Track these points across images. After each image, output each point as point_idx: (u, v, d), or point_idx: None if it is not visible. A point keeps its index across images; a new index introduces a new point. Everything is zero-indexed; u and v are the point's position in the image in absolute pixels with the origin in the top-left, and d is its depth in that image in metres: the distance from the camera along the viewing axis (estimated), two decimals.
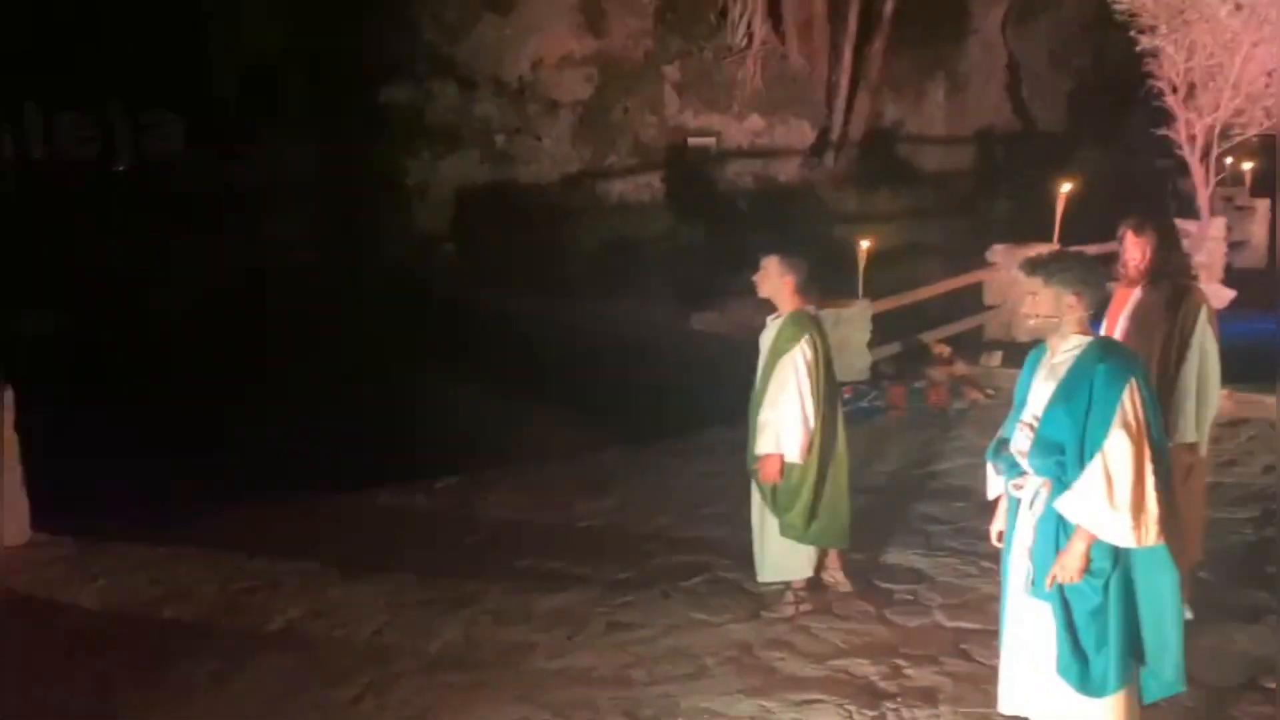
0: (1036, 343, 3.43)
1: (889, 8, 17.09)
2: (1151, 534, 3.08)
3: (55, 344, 10.65)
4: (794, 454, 4.67)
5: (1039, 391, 3.27)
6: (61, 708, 4.29)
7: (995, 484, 3.48)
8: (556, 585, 5.27)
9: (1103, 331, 4.48)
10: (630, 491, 6.82)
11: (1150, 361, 4.28)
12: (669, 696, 4.14)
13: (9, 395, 6.10)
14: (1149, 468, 3.08)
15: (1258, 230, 13.40)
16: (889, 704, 4.03)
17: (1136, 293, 4.42)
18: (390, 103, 14.64)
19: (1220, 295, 10.05)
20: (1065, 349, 3.23)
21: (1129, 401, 3.07)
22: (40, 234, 12.33)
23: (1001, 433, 3.46)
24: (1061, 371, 3.21)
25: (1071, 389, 3.14)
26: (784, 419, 4.65)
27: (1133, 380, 3.10)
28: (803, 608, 4.83)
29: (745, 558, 5.43)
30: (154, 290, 11.98)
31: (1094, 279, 3.24)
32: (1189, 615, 4.32)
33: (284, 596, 5.30)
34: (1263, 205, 13.52)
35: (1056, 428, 3.17)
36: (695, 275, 13.12)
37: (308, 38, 14.51)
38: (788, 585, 4.93)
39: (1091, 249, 9.71)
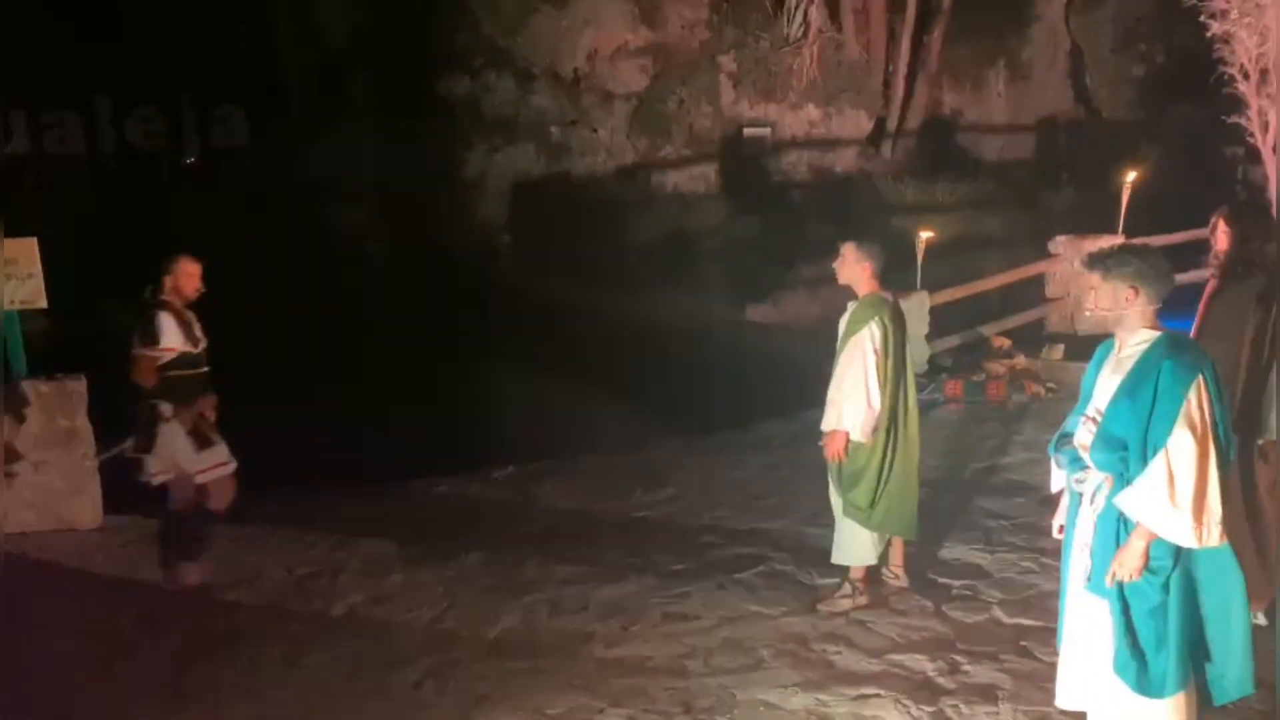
0: (1102, 337, 3.39)
1: None
2: (1214, 535, 3.03)
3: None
4: (858, 432, 4.69)
5: (1105, 386, 3.24)
6: (137, 683, 4.44)
7: (1058, 477, 3.45)
8: (613, 575, 5.32)
9: (1195, 324, 4.40)
10: (686, 483, 6.85)
11: (1239, 355, 4.17)
12: (725, 688, 4.16)
13: (81, 385, 6.32)
14: (1212, 467, 3.03)
15: None
16: (947, 700, 4.00)
17: (1226, 285, 4.32)
18: (448, 95, 14.79)
19: None
20: (1132, 343, 3.20)
21: (1195, 399, 3.03)
22: (117, 225, 12.67)
23: (1065, 426, 3.43)
24: (1127, 366, 3.17)
25: (1136, 384, 3.11)
26: (848, 397, 4.69)
27: (1200, 378, 3.05)
28: (859, 600, 4.82)
29: (801, 550, 5.43)
30: (225, 281, 12.30)
31: (1153, 273, 3.18)
32: (1263, 620, 4.25)
33: (347, 582, 5.43)
34: None
35: (1120, 423, 3.14)
36: (750, 267, 13.09)
37: (370, 31, 14.72)
38: (845, 577, 4.92)
39: (1158, 240, 9.59)
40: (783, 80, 16.00)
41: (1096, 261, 3.24)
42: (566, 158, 15.34)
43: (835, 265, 4.86)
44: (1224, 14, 10.09)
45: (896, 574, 5.00)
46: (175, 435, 5.18)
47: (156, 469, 5.21)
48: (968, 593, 4.95)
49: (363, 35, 14.79)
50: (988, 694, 4.02)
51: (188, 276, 5.26)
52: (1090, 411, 3.28)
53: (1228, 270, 4.34)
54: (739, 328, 12.31)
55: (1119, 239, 9.56)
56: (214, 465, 5.29)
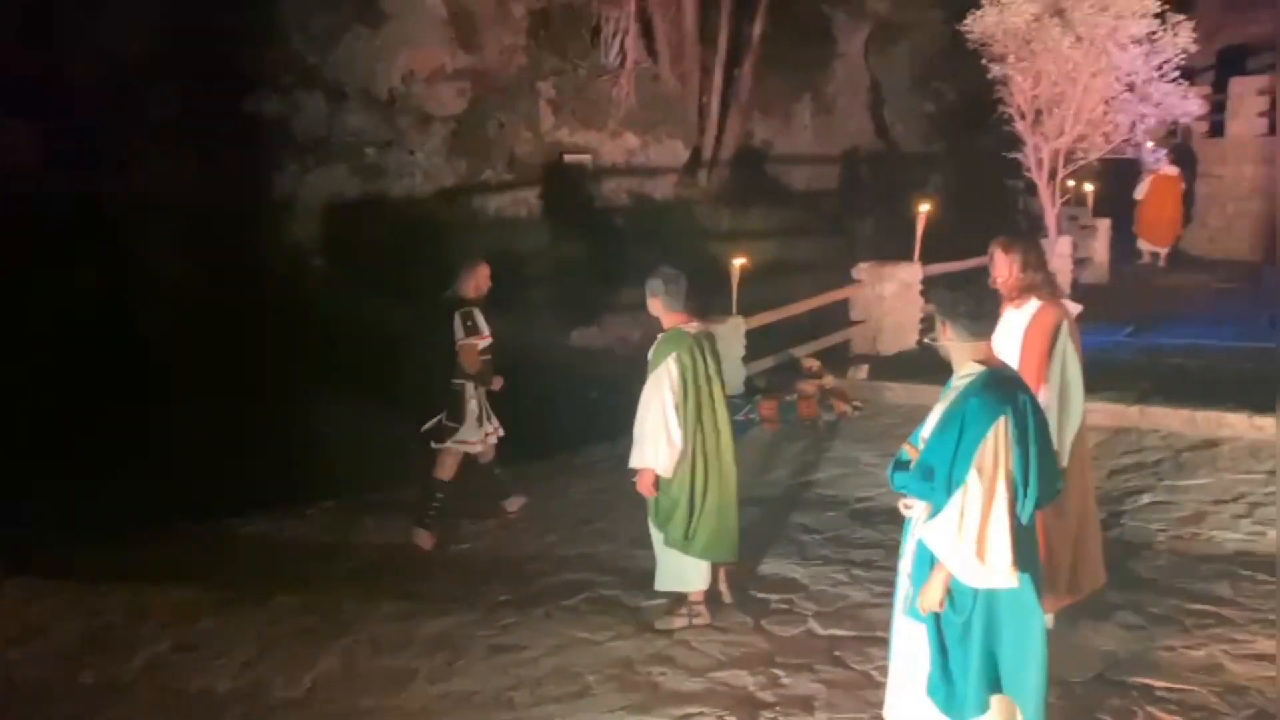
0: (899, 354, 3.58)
1: (757, 31, 17.57)
2: (996, 577, 3.12)
3: None
4: (661, 468, 4.76)
5: (934, 414, 3.35)
6: None
7: None
8: (438, 610, 5.22)
9: None
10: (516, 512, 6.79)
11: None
12: (552, 718, 4.16)
13: None
14: (1000, 509, 3.10)
15: (1099, 248, 14.29)
16: (767, 713, 4.14)
17: (1010, 310, 4.54)
18: (256, 113, 14.21)
19: (1070, 309, 10.66)
20: (958, 376, 3.34)
21: (992, 441, 3.12)
22: None
23: (902, 452, 3.52)
24: (950, 398, 3.29)
25: (949, 419, 3.22)
26: (649, 435, 4.74)
27: (1003, 418, 3.13)
28: (697, 621, 4.91)
29: (628, 574, 5.49)
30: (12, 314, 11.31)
31: (959, 308, 3.31)
32: (1049, 624, 4.59)
33: (149, 632, 5.09)
34: (1103, 225, 14.44)
35: (933, 454, 3.25)
36: (575, 291, 13.16)
37: (170, 46, 13.96)
38: (684, 598, 5.00)
39: (945, 267, 10.29)
40: (601, 108, 16.24)
41: (931, 300, 3.47)
42: (383, 179, 15.00)
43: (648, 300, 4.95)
44: (1002, 58, 11.00)
45: (722, 591, 5.13)
46: (475, 410, 6.22)
47: (463, 438, 6.21)
48: (785, 606, 5.13)
49: (163, 50, 14.02)
50: (805, 704, 4.18)
51: (484, 277, 6.38)
52: (918, 439, 3.39)
53: (1010, 297, 4.63)
54: (565, 352, 12.34)
55: (916, 265, 10.22)
56: (492, 432, 6.39)
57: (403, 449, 8.28)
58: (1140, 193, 14.96)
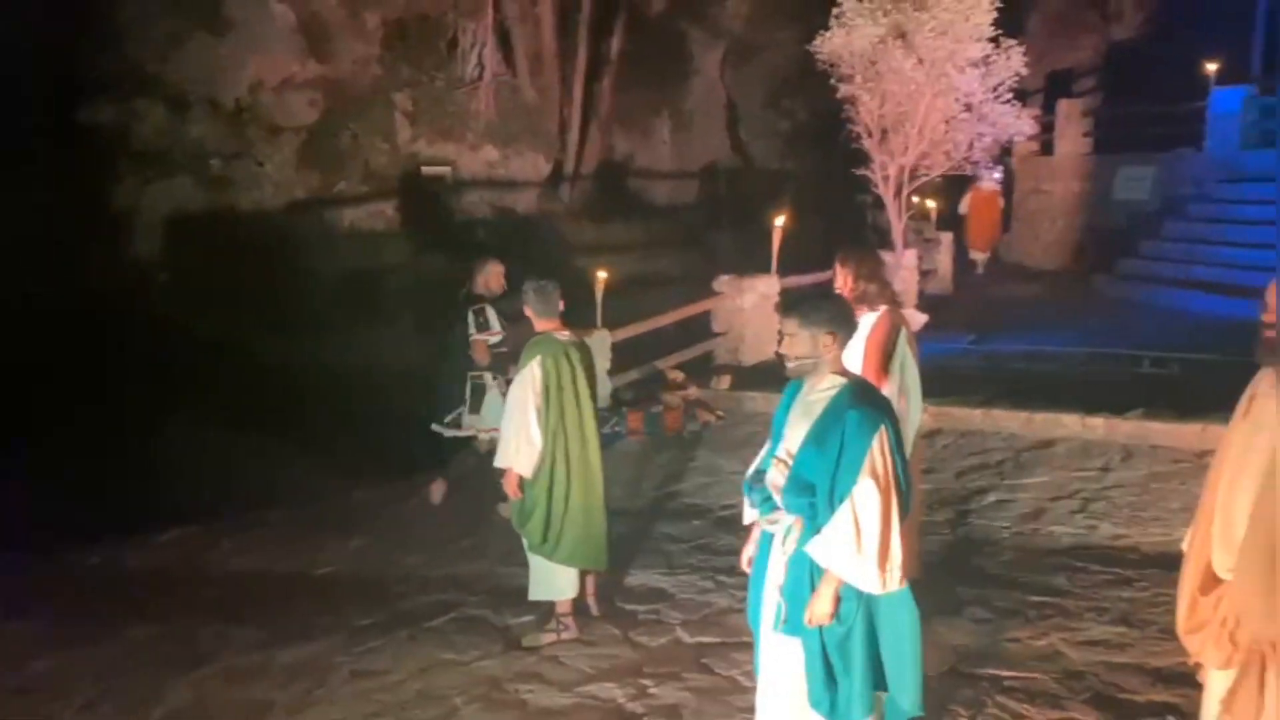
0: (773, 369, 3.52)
1: (616, 46, 17.76)
2: (896, 579, 3.16)
3: None
4: (522, 468, 4.81)
5: (795, 428, 3.30)
6: None
7: (750, 513, 3.50)
8: (297, 637, 5.04)
9: None
10: (377, 532, 6.63)
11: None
12: None
13: None
14: (895, 515, 3.14)
15: (943, 260, 15.01)
16: None
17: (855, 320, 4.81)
18: (91, 123, 13.45)
19: (915, 319, 11.16)
20: (821, 388, 3.26)
21: (878, 449, 3.12)
22: None
23: (758, 463, 3.52)
24: (816, 411, 3.23)
25: (824, 432, 3.18)
26: (509, 435, 4.82)
27: (883, 428, 3.15)
28: (565, 634, 4.89)
29: (494, 592, 5.43)
30: None
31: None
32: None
33: None
34: (947, 238, 15.19)
35: (809, 469, 3.20)
36: (436, 305, 12.94)
37: None
38: (551, 614, 4.98)
39: (800, 279, 10.62)
40: (460, 120, 16.08)
41: (792, 309, 3.27)
42: (230, 191, 14.44)
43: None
44: (850, 79, 11.42)
45: (589, 603, 5.13)
46: (495, 400, 6.46)
47: (485, 427, 6.53)
48: (652, 616, 5.17)
49: None
50: (674, 713, 4.22)
51: (496, 275, 6.79)
52: (781, 453, 3.32)
53: (851, 305, 4.86)
54: (428, 366, 12.11)
55: (773, 278, 10.50)
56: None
57: (259, 471, 7.98)
58: (963, 207, 16.15)
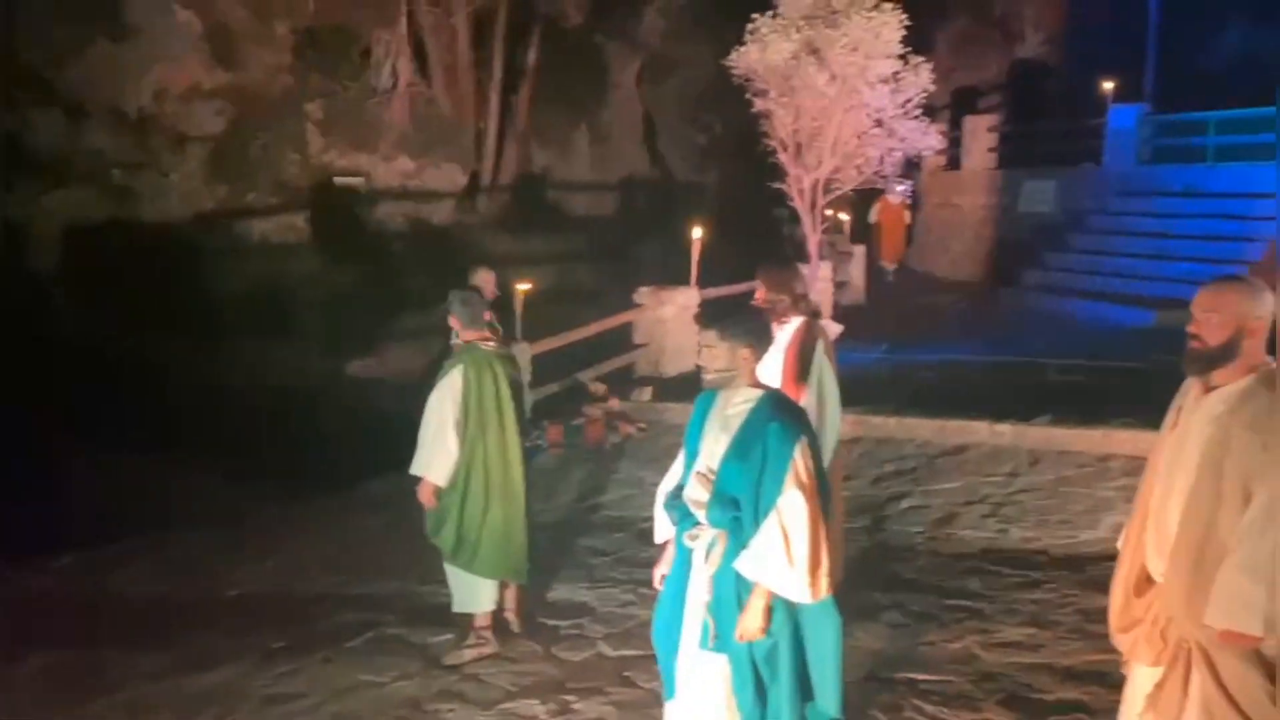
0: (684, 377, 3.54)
1: (532, 58, 17.73)
2: (824, 587, 3.17)
3: None
4: (437, 477, 4.77)
5: (713, 442, 3.28)
6: None
7: (664, 529, 3.48)
8: (206, 662, 4.86)
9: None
10: (290, 552, 6.45)
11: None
12: None
13: None
14: (821, 523, 3.15)
15: (855, 272, 15.31)
16: None
17: (774, 329, 4.85)
18: None
19: (831, 330, 11.33)
20: (738, 401, 3.26)
21: (800, 459, 3.14)
22: None
23: (676, 479, 3.45)
24: (735, 424, 3.23)
25: (746, 445, 3.17)
26: (425, 442, 4.77)
27: (803, 438, 3.17)
28: (485, 649, 4.82)
29: (412, 611, 5.33)
30: None
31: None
32: None
33: None
34: (860, 250, 15.51)
35: (733, 482, 3.19)
36: (351, 319, 12.71)
37: None
38: (471, 625, 4.91)
39: (720, 291, 10.71)
40: (373, 131, 15.85)
41: (714, 322, 3.33)
42: (134, 203, 13.98)
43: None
44: (765, 93, 11.58)
45: (510, 619, 5.07)
46: None
47: None
48: (575, 631, 5.13)
49: None
50: None
51: (486, 283, 6.65)
52: (702, 468, 3.29)
53: (771, 316, 4.90)
54: (342, 382, 11.88)
55: (693, 290, 10.57)
56: None
57: (168, 490, 7.71)
58: (873, 216, 16.67)
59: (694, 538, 3.30)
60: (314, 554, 6.41)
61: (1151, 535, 2.89)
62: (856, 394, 7.32)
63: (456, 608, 4.96)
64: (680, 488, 3.40)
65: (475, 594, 4.89)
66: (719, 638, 3.24)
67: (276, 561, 6.29)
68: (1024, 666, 4.51)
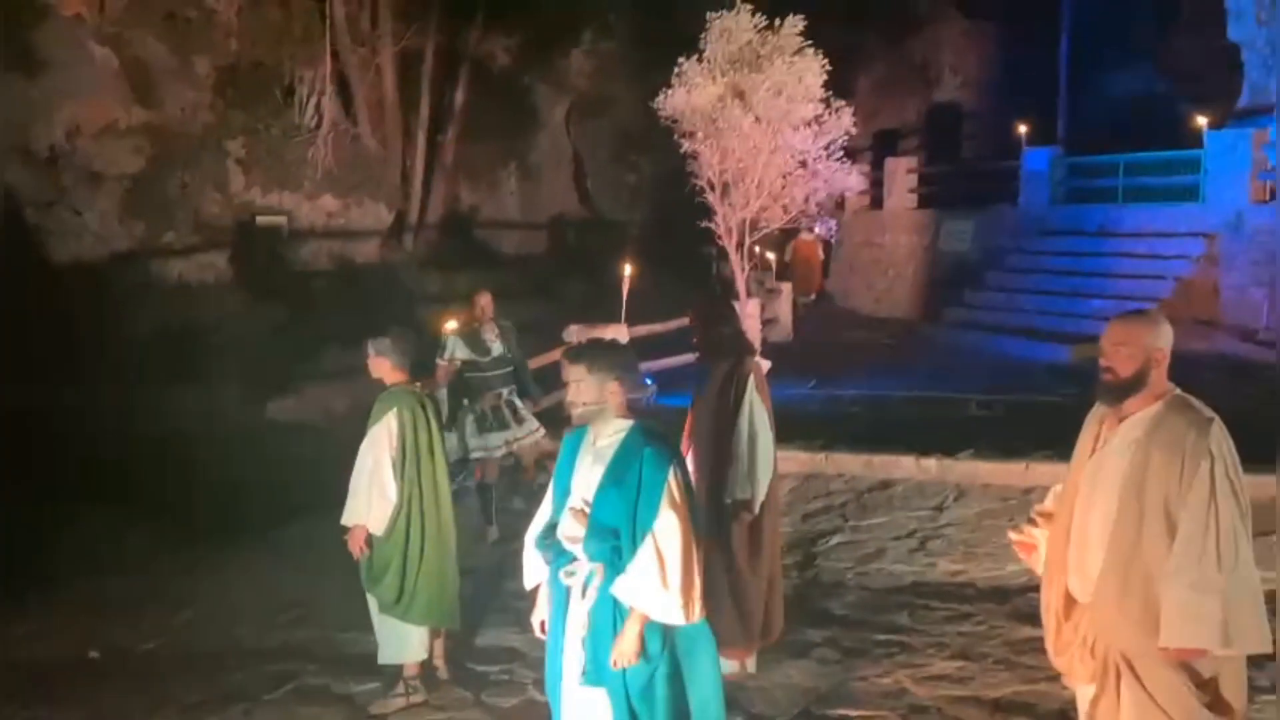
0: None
1: (460, 98, 17.71)
2: (698, 610, 3.18)
3: None
4: (374, 525, 4.63)
5: (586, 476, 3.28)
6: None
7: (536, 572, 3.45)
8: None
9: (691, 404, 4.84)
10: (203, 603, 6.21)
11: (709, 427, 4.69)
12: None
13: None
14: (694, 546, 3.17)
15: (783, 309, 15.49)
16: None
17: (708, 366, 4.81)
18: None
19: (759, 366, 11.39)
20: (609, 433, 3.27)
21: (674, 483, 3.16)
22: None
23: (546, 519, 3.42)
24: (608, 455, 3.24)
25: (621, 472, 3.19)
26: (360, 489, 4.62)
27: (675, 462, 3.21)
28: (414, 698, 4.68)
29: (335, 659, 5.17)
30: None
31: (632, 364, 3.38)
32: (752, 669, 4.79)
33: None
34: (786, 288, 15.71)
35: (609, 512, 3.19)
36: (270, 360, 12.41)
37: None
38: (398, 678, 4.76)
39: (649, 328, 10.73)
40: (297, 169, 15.61)
41: (580, 356, 3.30)
42: (45, 242, 13.54)
43: (367, 364, 4.83)
44: (692, 134, 11.72)
45: (438, 666, 4.94)
46: (472, 422, 7.28)
47: (476, 447, 7.30)
48: (505, 676, 5.02)
49: None
50: None
51: (484, 304, 7.60)
52: (576, 503, 3.28)
53: (703, 353, 4.91)
54: (260, 426, 11.56)
55: (622, 326, 10.57)
56: (514, 439, 7.46)
57: (66, 541, 7.38)
58: (788, 255, 17.20)
59: (570, 574, 3.28)
60: (230, 603, 6.19)
61: (1074, 558, 2.97)
62: (785, 430, 7.33)
63: (385, 660, 4.80)
64: (551, 527, 3.37)
65: (406, 643, 4.75)
66: (594, 671, 3.21)
67: (192, 612, 6.05)
68: (954, 699, 4.54)
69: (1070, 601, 2.98)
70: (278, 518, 7.53)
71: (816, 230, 16.17)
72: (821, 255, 17.94)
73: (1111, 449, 2.90)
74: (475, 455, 7.30)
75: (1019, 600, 5.64)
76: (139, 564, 6.97)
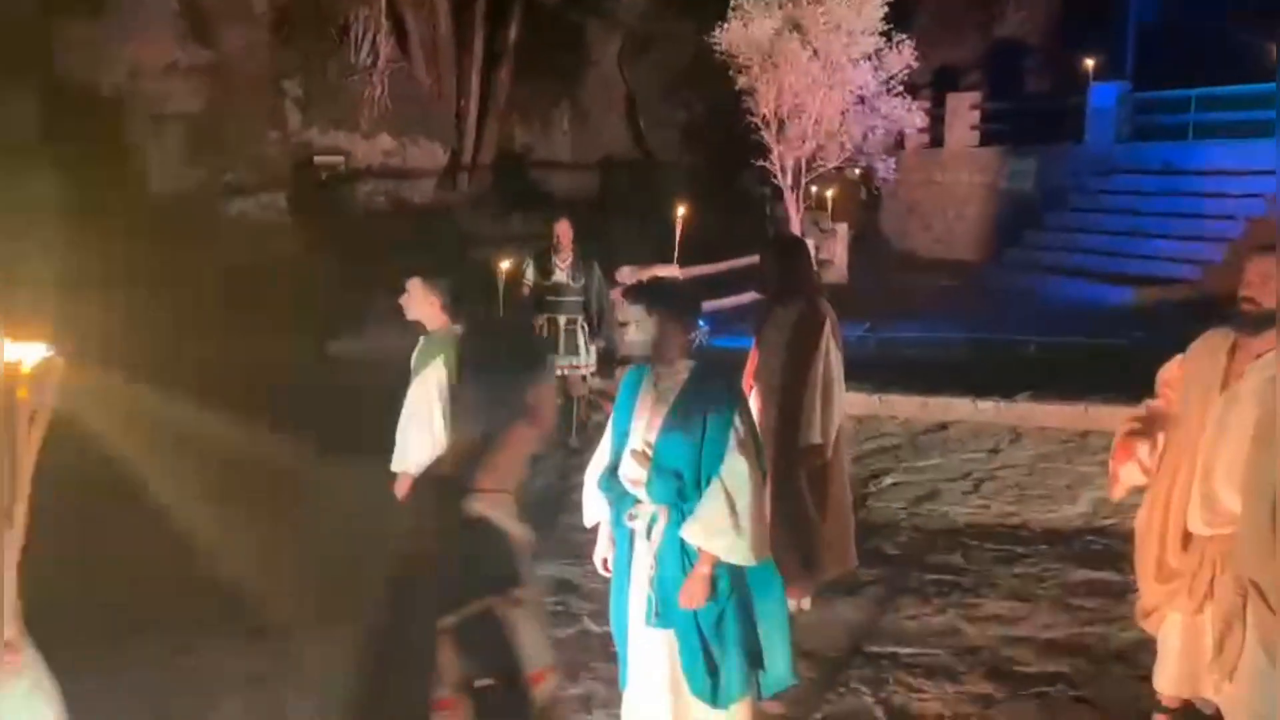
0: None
1: (512, 36, 17.59)
2: (764, 550, 3.19)
3: None
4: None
5: (648, 418, 3.24)
6: None
7: (596, 511, 3.46)
8: (197, 632, 4.84)
9: (754, 341, 4.82)
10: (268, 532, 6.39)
11: (780, 371, 4.67)
12: None
13: None
14: (761, 488, 3.15)
15: (839, 250, 15.31)
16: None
17: (775, 308, 4.74)
18: None
19: (833, 311, 11.30)
20: (671, 374, 3.25)
21: (739, 424, 3.13)
22: None
23: (607, 460, 3.40)
24: (670, 397, 3.21)
25: (684, 414, 3.15)
26: (411, 438, 4.60)
27: (741, 402, 3.20)
28: None
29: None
30: None
31: (691, 305, 3.34)
32: (807, 607, 4.84)
33: None
34: (842, 228, 15.50)
35: (673, 454, 3.16)
36: (330, 299, 12.61)
37: None
38: None
39: (705, 269, 10.70)
40: (354, 108, 15.70)
41: (639, 295, 3.29)
42: (111, 184, 13.80)
43: (402, 301, 4.78)
44: (747, 70, 11.56)
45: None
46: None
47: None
48: (560, 608, 5.13)
49: None
50: (584, 704, 4.19)
51: (563, 231, 7.95)
52: (638, 445, 3.25)
53: (774, 293, 4.82)
54: (320, 364, 11.78)
55: (675, 268, 10.54)
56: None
57: None
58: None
59: (634, 517, 3.27)
60: (283, 537, 6.35)
61: (1198, 493, 3.07)
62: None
63: None
64: (613, 469, 3.36)
65: None
66: (663, 613, 3.22)
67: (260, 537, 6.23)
68: (1006, 639, 4.55)
69: (1188, 536, 3.09)
70: (344, 451, 7.68)
71: (857, 171, 15.91)
72: (863, 195, 17.54)
73: (1248, 388, 2.95)
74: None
75: (1074, 543, 5.62)
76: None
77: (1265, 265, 2.90)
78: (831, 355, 4.62)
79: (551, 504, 6.70)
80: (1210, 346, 3.07)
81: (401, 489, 4.67)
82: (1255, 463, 2.86)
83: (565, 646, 4.71)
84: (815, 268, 5.30)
